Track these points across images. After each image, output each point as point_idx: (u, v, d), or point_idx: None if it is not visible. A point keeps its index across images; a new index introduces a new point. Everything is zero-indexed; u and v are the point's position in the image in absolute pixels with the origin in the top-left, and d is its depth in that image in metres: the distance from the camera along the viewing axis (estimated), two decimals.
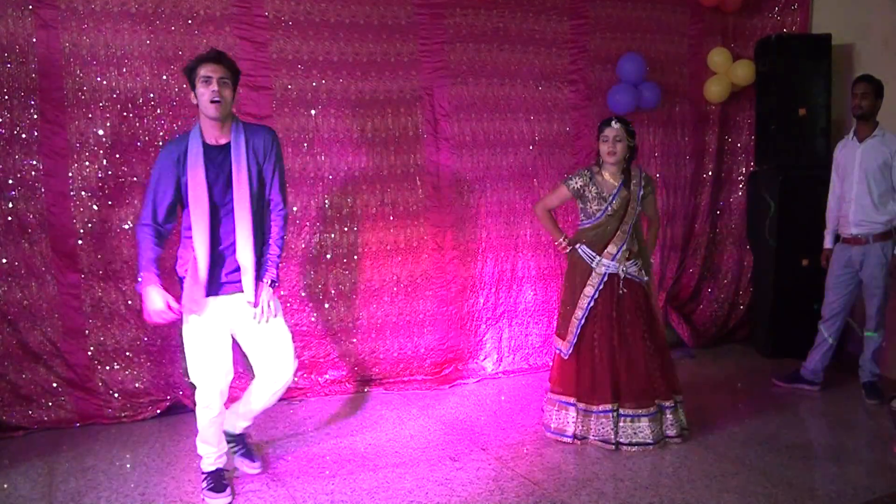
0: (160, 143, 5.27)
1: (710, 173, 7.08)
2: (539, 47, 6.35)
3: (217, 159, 3.97)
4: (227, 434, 4.37)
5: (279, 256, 4.16)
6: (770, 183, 6.54)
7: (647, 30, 6.69)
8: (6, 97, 4.97)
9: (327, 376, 5.86)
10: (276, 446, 4.88)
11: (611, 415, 4.69)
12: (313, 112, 5.66)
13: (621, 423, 4.69)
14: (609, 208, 4.76)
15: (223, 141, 4.01)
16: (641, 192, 4.83)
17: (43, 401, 5.16)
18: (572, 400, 4.81)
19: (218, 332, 4.08)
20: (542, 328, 6.50)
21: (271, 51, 5.51)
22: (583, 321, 4.77)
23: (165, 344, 5.41)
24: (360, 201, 5.86)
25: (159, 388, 5.43)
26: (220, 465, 4.25)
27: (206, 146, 3.97)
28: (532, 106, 6.36)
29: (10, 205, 5.03)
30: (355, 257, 5.89)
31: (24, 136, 5.02)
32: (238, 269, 4.01)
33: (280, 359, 4.20)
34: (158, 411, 5.38)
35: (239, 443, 4.51)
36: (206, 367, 4.06)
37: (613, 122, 4.76)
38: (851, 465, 4.51)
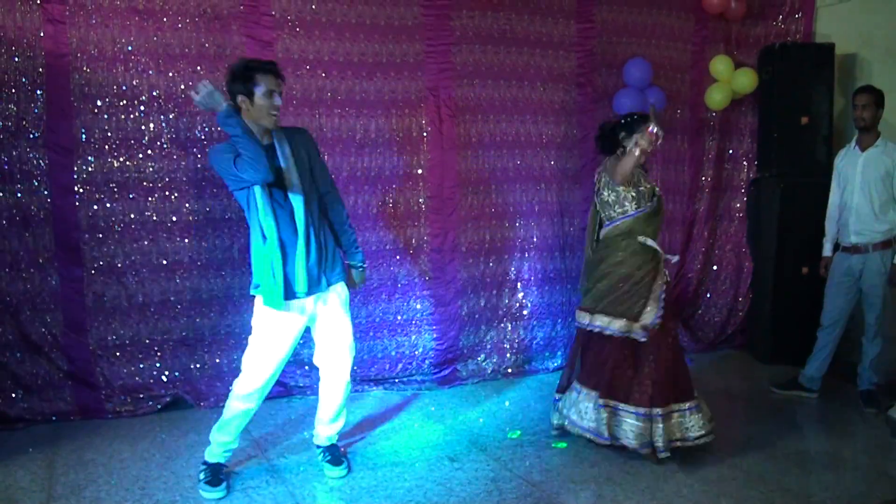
0: (165, 140, 5.30)
1: (709, 179, 7.10)
2: (546, 50, 6.36)
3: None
4: (317, 446, 4.57)
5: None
6: (771, 190, 6.56)
7: (652, 35, 6.72)
8: (13, 91, 4.99)
9: None
10: (276, 443, 4.89)
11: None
12: (318, 111, 5.68)
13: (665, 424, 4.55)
14: (655, 192, 4.79)
15: (266, 142, 4.06)
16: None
17: (43, 393, 5.17)
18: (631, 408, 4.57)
19: (292, 330, 4.18)
20: (544, 331, 6.52)
21: (277, 50, 5.52)
22: (661, 312, 4.57)
23: (167, 339, 5.44)
24: (362, 200, 5.87)
25: (160, 384, 5.45)
26: (223, 460, 4.27)
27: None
28: (538, 108, 6.37)
29: (16, 197, 5.04)
30: None
31: (30, 129, 5.04)
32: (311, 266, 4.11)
33: (344, 346, 4.34)
34: (159, 406, 5.39)
35: (329, 451, 4.54)
36: (267, 361, 4.13)
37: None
38: (848, 472, 4.54)
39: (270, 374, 4.16)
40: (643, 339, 4.53)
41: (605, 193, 4.73)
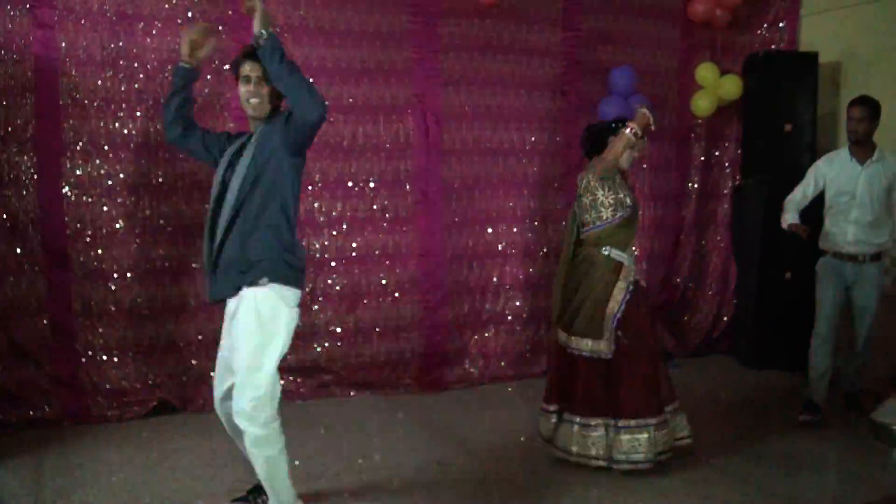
0: (154, 145, 5.32)
1: (695, 186, 7.16)
2: (532, 57, 6.41)
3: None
4: None
5: None
6: (755, 197, 6.62)
7: (637, 43, 6.77)
8: (1, 95, 5.01)
9: (314, 380, 5.89)
10: None
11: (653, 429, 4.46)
12: None
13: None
14: (634, 200, 4.67)
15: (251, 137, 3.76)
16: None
17: (31, 398, 5.17)
18: (598, 421, 4.50)
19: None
20: (528, 335, 6.55)
21: None
22: (619, 315, 4.48)
23: (153, 344, 5.44)
24: (349, 206, 5.90)
25: (146, 388, 5.45)
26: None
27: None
28: (523, 115, 6.42)
29: (3, 201, 5.05)
30: (343, 261, 5.92)
31: (18, 133, 5.05)
32: None
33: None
34: (145, 411, 5.39)
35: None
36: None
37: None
38: (831, 474, 4.59)
39: None
40: (608, 357, 4.49)
41: (585, 198, 4.63)
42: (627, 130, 4.43)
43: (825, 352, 5.37)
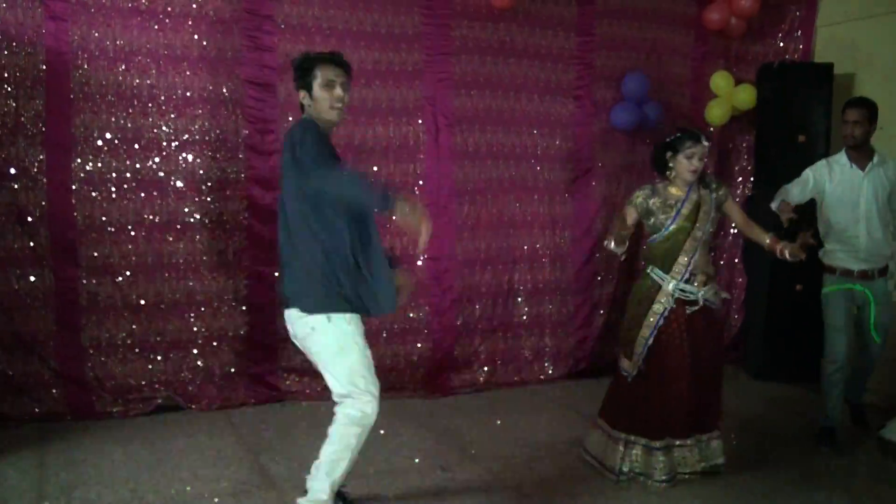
0: (163, 141, 5.30)
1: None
2: (545, 62, 6.38)
3: None
4: None
5: None
6: (767, 207, 6.57)
7: (652, 50, 6.74)
8: (13, 87, 4.99)
9: (320, 381, 5.84)
10: (266, 449, 4.87)
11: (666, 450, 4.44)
12: None
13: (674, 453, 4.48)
14: (679, 215, 4.43)
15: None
16: (715, 196, 4.51)
17: (35, 392, 5.15)
18: (629, 437, 4.48)
19: None
20: (535, 341, 6.52)
21: (278, 55, 5.52)
22: (650, 341, 4.42)
23: (159, 340, 5.42)
24: None
25: (151, 385, 5.43)
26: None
27: None
28: (535, 119, 6.39)
29: (13, 195, 5.03)
30: None
31: (28, 126, 5.03)
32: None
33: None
34: (150, 408, 5.37)
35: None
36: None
37: (704, 140, 4.42)
38: (837, 490, 4.53)
39: None
40: (629, 376, 4.53)
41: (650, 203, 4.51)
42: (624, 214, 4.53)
43: (842, 378, 5.14)
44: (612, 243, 4.50)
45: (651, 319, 4.43)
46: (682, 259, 4.42)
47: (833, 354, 5.14)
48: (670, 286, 4.41)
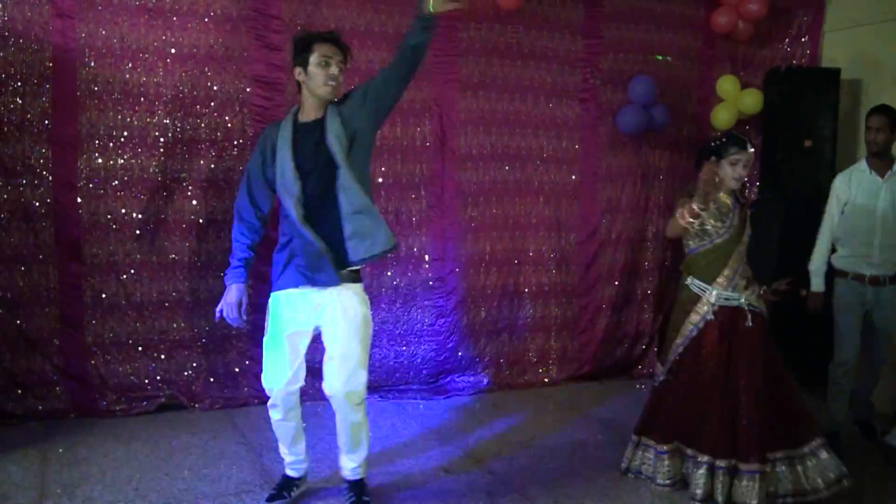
0: (169, 140, 5.30)
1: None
2: (551, 64, 6.37)
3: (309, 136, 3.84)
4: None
5: None
6: (772, 212, 6.56)
7: (659, 53, 6.73)
8: (19, 84, 4.97)
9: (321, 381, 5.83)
10: (270, 449, 4.84)
11: (706, 467, 4.21)
12: None
13: (720, 479, 4.17)
14: (732, 225, 4.36)
15: (317, 115, 3.87)
16: (751, 212, 4.47)
17: (38, 390, 5.14)
18: (664, 448, 4.39)
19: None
20: (540, 344, 6.51)
21: (285, 54, 5.50)
22: (681, 349, 4.38)
23: (163, 339, 5.41)
24: None
25: (154, 384, 5.42)
26: (289, 473, 4.17)
27: (296, 124, 3.88)
28: (541, 122, 6.38)
29: (18, 191, 5.02)
30: None
31: (34, 123, 5.02)
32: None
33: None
34: (153, 407, 5.36)
35: (352, 490, 4.13)
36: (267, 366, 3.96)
37: (749, 147, 4.31)
38: (843, 499, 4.50)
39: None
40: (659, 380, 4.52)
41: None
42: (685, 210, 4.22)
43: (849, 381, 5.21)
44: (695, 204, 4.16)
45: (687, 329, 4.37)
46: (727, 271, 4.34)
47: (840, 357, 5.20)
48: (713, 296, 4.32)
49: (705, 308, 4.32)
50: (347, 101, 3.88)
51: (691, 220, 4.20)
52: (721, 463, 4.16)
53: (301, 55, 3.80)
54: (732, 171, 4.30)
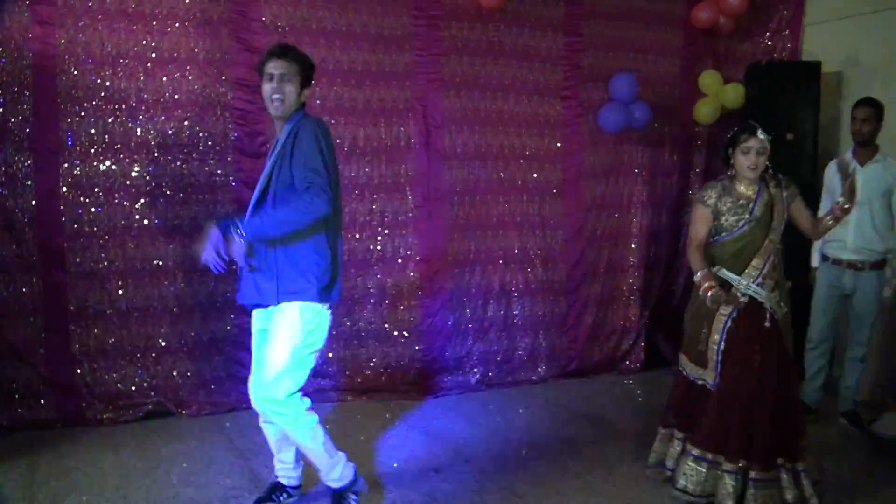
0: (152, 145, 5.26)
1: (696, 193, 7.13)
2: (533, 62, 6.38)
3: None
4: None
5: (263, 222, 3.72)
6: None
7: (640, 49, 6.75)
8: None
9: (310, 384, 5.82)
10: (258, 454, 4.83)
11: (737, 476, 4.08)
12: None
13: (751, 490, 4.05)
14: (752, 216, 4.19)
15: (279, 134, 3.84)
16: (786, 195, 4.24)
17: (24, 400, 5.11)
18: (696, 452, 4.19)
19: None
20: (528, 342, 6.52)
21: None
22: (722, 346, 4.18)
23: (149, 346, 5.39)
24: (349, 209, 5.84)
25: (141, 391, 5.39)
26: (276, 479, 4.17)
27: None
28: (524, 120, 6.39)
29: (1, 200, 4.98)
30: (342, 265, 5.86)
31: (15, 131, 4.99)
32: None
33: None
34: (140, 414, 5.34)
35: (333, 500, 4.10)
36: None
37: (760, 133, 4.17)
38: (830, 487, 4.53)
39: None
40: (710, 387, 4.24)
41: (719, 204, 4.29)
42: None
43: (817, 355, 5.57)
44: (698, 267, 4.23)
45: (720, 321, 4.20)
46: (757, 262, 4.16)
47: (810, 332, 5.60)
48: (742, 285, 4.15)
49: (735, 301, 4.15)
50: (298, 142, 3.71)
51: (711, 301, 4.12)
52: (757, 475, 4.06)
53: (259, 73, 3.79)
54: (745, 159, 4.18)
